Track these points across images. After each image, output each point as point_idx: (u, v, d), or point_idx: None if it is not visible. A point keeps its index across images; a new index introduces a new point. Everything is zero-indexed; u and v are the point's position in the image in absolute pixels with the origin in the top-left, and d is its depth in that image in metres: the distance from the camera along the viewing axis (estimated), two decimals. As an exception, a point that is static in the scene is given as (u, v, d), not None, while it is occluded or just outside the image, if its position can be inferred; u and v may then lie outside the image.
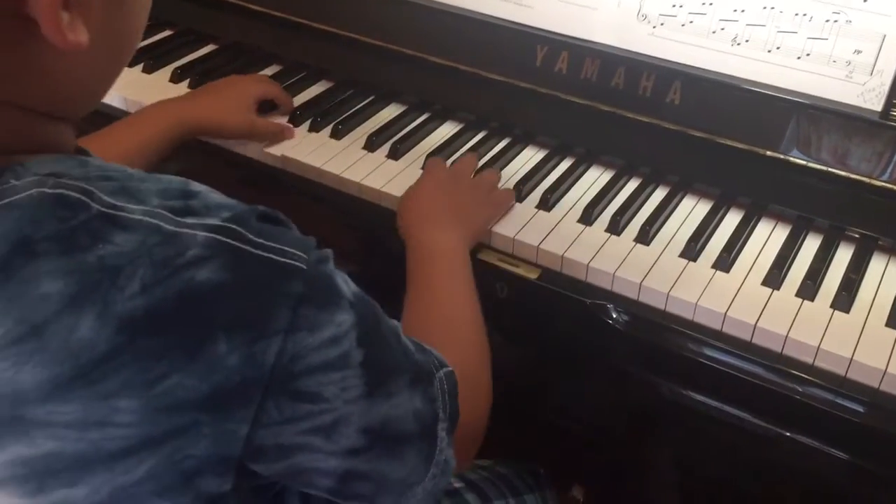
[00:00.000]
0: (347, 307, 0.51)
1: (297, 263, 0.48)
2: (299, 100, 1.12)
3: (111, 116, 1.00)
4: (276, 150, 1.03)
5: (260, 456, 0.48)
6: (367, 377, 0.51)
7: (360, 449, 0.52)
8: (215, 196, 0.50)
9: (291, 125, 1.06)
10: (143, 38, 1.22)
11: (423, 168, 0.98)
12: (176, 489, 0.46)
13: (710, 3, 0.90)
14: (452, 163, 1.00)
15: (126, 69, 1.25)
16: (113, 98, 1.12)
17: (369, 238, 1.04)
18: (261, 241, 0.47)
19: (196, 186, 0.51)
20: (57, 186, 0.45)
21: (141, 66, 1.17)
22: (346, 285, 0.52)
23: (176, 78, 1.16)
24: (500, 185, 0.97)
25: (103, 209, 0.45)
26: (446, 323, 0.75)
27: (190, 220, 0.46)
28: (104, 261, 0.44)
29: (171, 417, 0.45)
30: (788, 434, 0.82)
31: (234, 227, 0.47)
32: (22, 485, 0.45)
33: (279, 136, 1.04)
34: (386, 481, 0.55)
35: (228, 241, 0.46)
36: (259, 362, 0.46)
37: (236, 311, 0.46)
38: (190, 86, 1.14)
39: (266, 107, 1.07)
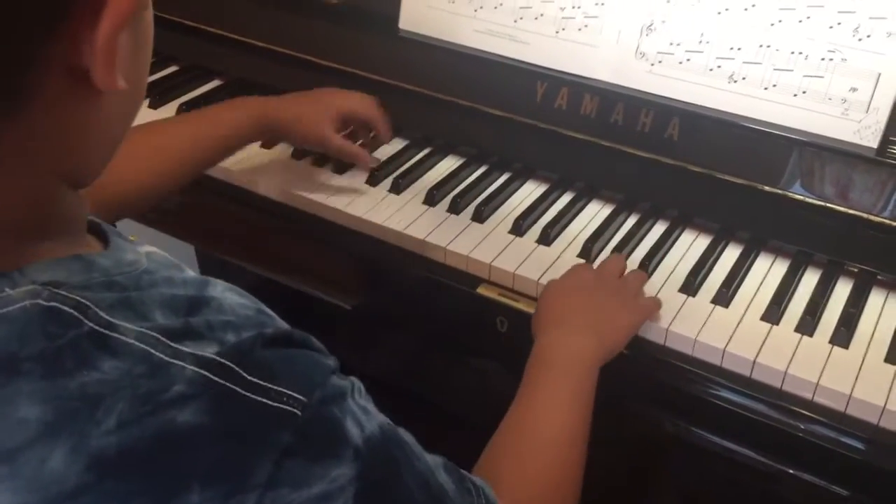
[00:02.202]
0: (350, 458, 0.46)
1: (290, 408, 0.44)
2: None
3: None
4: (263, 174, 1.04)
5: None
6: None
7: None
8: (229, 304, 0.47)
9: (367, 152, 1.04)
10: (150, 74, 1.25)
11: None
12: None
13: (707, 42, 0.91)
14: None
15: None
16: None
17: (367, 272, 1.04)
18: (254, 380, 0.44)
19: (213, 291, 0.47)
20: (51, 299, 0.42)
21: (147, 101, 1.19)
22: (360, 430, 0.47)
23: (181, 113, 1.17)
24: (500, 220, 0.97)
25: (96, 327, 0.42)
26: (535, 447, 0.69)
27: (185, 348, 0.43)
28: (86, 389, 0.41)
29: None
30: (789, 470, 0.82)
31: (227, 362, 0.43)
32: None
33: (351, 158, 1.03)
34: None
35: (217, 380, 0.43)
36: None
37: (214, 461, 0.42)
38: (195, 121, 1.16)
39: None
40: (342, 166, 1.06)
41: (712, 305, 0.87)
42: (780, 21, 0.88)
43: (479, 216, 0.99)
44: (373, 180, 1.04)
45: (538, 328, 0.81)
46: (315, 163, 1.08)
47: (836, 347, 0.82)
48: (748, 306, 0.87)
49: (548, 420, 0.71)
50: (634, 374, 0.85)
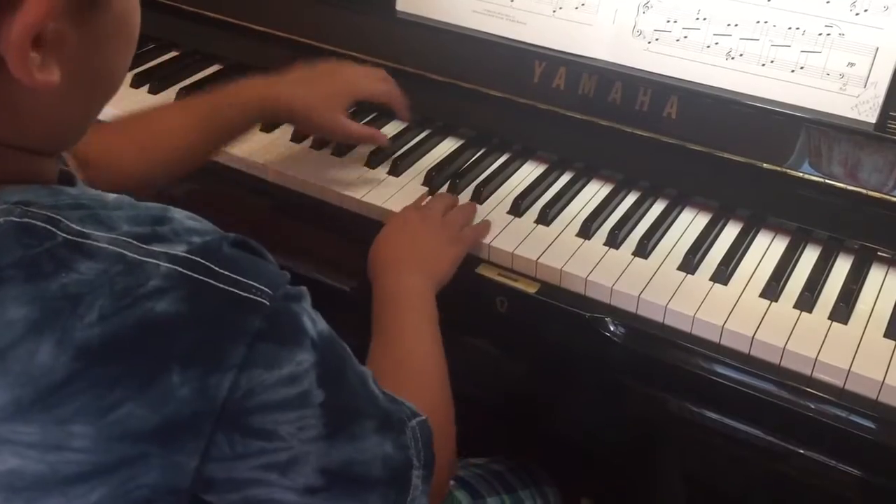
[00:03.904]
0: (309, 347, 0.50)
1: (258, 299, 0.48)
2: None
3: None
4: (262, 157, 1.05)
5: (211, 488, 0.49)
6: (327, 418, 0.51)
7: (318, 488, 0.52)
8: (191, 223, 0.50)
9: (384, 133, 1.02)
10: (150, 60, 1.25)
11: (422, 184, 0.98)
12: None
13: (704, 19, 0.91)
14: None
15: (132, 90, 1.28)
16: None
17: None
18: (225, 272, 0.47)
19: (173, 213, 0.51)
20: (24, 216, 0.46)
21: (147, 87, 1.19)
22: (314, 325, 0.52)
23: (181, 98, 1.17)
24: (499, 201, 0.97)
25: (69, 237, 0.46)
26: (414, 373, 0.74)
27: (155, 248, 0.47)
28: (66, 289, 0.44)
29: (122, 446, 0.45)
30: (790, 446, 0.82)
31: (197, 258, 0.47)
32: None
33: (368, 140, 1.02)
34: None
35: (189, 273, 0.47)
36: (211, 396, 0.46)
37: (191, 344, 0.46)
38: (195, 106, 1.16)
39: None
40: (341, 149, 1.07)
41: (711, 283, 0.87)
42: (777, -4, 0.87)
43: (479, 197, 0.99)
44: (372, 162, 1.04)
45: (373, 274, 0.85)
46: (314, 145, 1.08)
47: (835, 323, 0.82)
48: (747, 284, 0.87)
49: (422, 351, 0.76)
50: (633, 352, 0.86)
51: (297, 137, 1.09)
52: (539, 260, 0.90)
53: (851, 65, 0.85)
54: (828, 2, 0.85)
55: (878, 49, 0.84)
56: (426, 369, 0.75)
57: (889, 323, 0.82)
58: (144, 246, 0.47)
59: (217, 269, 0.47)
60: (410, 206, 0.95)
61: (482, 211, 0.97)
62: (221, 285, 0.47)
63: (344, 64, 1.03)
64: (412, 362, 0.75)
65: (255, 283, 0.48)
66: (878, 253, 0.90)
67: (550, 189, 1.01)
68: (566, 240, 0.93)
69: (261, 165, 1.05)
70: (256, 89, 0.94)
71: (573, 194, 1.00)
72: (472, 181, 1.01)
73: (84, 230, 0.46)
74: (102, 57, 0.51)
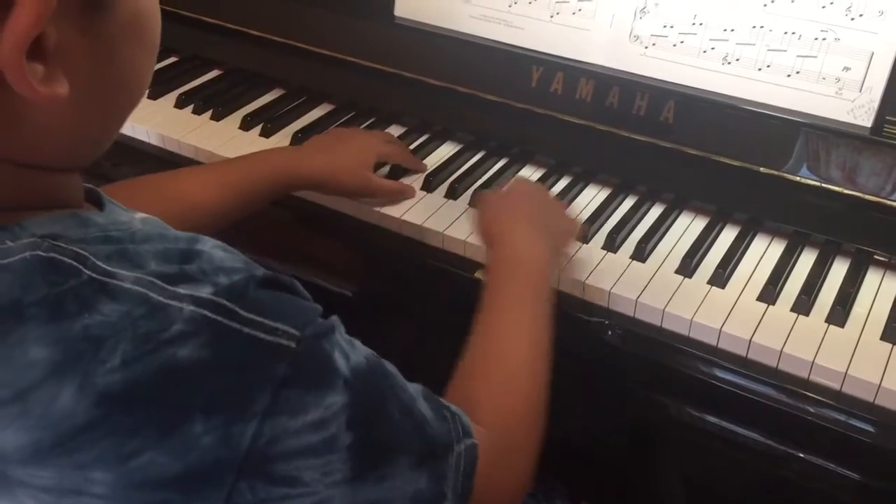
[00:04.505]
0: (340, 387, 0.49)
1: (285, 342, 0.47)
2: (302, 123, 1.14)
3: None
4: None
5: None
6: (355, 461, 0.50)
7: None
8: (219, 256, 0.49)
9: (413, 186, 1.01)
10: (148, 65, 1.25)
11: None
12: None
13: (701, 24, 0.91)
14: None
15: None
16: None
17: (367, 259, 1.05)
18: (251, 316, 0.46)
19: (202, 245, 0.49)
20: (50, 250, 0.44)
21: (146, 92, 1.19)
22: (347, 361, 0.50)
23: (180, 104, 1.18)
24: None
25: (95, 275, 0.44)
26: (503, 371, 0.69)
27: (181, 290, 0.45)
28: (89, 331, 0.43)
29: (142, 494, 0.44)
30: (789, 449, 0.82)
31: (223, 301, 0.46)
32: None
33: (398, 195, 0.99)
34: None
35: (214, 317, 0.45)
36: (234, 445, 0.45)
37: (215, 392, 0.45)
38: (194, 111, 1.16)
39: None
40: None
41: (709, 286, 0.87)
42: (772, 1, 0.88)
43: (476, 201, 0.99)
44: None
45: (491, 237, 0.81)
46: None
47: (832, 326, 0.82)
48: (744, 287, 0.87)
49: (517, 342, 0.72)
50: (631, 355, 0.86)
51: (295, 142, 1.10)
52: (537, 264, 0.90)
53: (847, 69, 0.85)
54: (823, 7, 0.85)
55: (873, 54, 0.84)
56: (519, 370, 0.70)
57: (886, 326, 0.82)
58: (170, 287, 0.45)
59: (242, 312, 0.46)
60: (524, 178, 0.94)
61: (480, 215, 0.97)
62: (246, 329, 0.46)
63: (354, 129, 1.06)
64: (506, 358, 0.70)
65: (280, 326, 0.47)
66: (875, 256, 0.90)
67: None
68: (564, 244, 0.93)
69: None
70: (275, 166, 0.92)
71: (571, 198, 1.01)
72: (471, 185, 1.02)
73: (110, 269, 0.45)
74: (116, 64, 0.48)
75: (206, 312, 0.45)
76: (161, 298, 0.45)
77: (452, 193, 1.00)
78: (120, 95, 0.50)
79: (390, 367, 0.56)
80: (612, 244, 0.92)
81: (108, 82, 0.48)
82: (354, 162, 0.96)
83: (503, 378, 0.69)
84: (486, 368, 0.70)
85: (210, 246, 0.50)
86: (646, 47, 0.95)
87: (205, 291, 0.46)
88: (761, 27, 0.89)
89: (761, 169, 0.92)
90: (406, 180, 1.03)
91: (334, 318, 0.52)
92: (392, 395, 0.54)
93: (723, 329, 0.82)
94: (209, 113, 1.16)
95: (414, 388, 0.57)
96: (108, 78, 0.48)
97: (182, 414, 0.44)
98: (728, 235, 0.95)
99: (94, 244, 0.46)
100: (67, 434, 0.43)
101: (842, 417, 0.78)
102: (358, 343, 0.53)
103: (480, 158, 1.07)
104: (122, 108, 0.52)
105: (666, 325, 0.85)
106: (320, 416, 0.48)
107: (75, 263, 0.44)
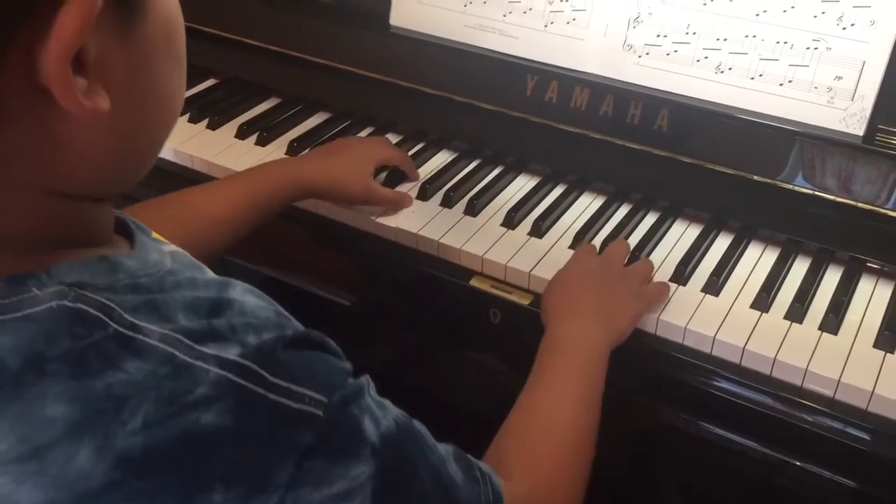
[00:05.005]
0: (368, 457, 0.48)
1: (312, 410, 0.45)
2: (298, 132, 1.14)
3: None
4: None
5: None
6: None
7: None
8: (251, 305, 0.47)
9: (410, 195, 1.02)
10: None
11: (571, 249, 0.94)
12: None
13: (694, 33, 0.92)
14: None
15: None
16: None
17: (363, 268, 1.05)
18: (277, 381, 0.44)
19: (233, 291, 0.48)
20: (77, 300, 0.43)
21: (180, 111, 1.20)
22: (377, 427, 0.49)
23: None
24: (493, 213, 0.98)
25: (120, 329, 0.43)
26: (544, 439, 0.69)
27: (208, 350, 0.44)
28: (111, 389, 0.42)
29: None
30: (794, 462, 0.82)
31: (250, 364, 0.44)
32: None
33: (397, 204, 1.00)
34: None
35: (240, 381, 0.44)
36: None
37: (236, 461, 0.43)
38: (190, 120, 1.17)
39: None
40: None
41: (703, 294, 0.88)
42: (764, 11, 0.89)
43: (472, 209, 0.99)
44: (366, 176, 1.05)
45: (548, 316, 0.81)
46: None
47: (825, 334, 0.83)
48: (738, 295, 0.88)
49: (558, 411, 0.72)
50: (625, 363, 0.86)
51: (291, 151, 1.10)
52: (532, 272, 0.90)
53: (839, 78, 0.86)
54: (815, 16, 0.86)
55: (864, 63, 0.85)
56: (558, 437, 0.70)
57: (878, 333, 0.82)
58: (196, 346, 0.44)
59: (269, 377, 0.44)
60: (588, 249, 0.90)
61: (475, 224, 0.98)
62: (272, 396, 0.44)
63: (352, 138, 1.07)
64: (546, 425, 0.70)
65: (308, 392, 0.45)
66: (868, 264, 0.91)
67: (543, 201, 1.02)
68: (559, 252, 0.94)
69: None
70: (278, 176, 0.93)
71: (566, 206, 1.01)
72: (466, 194, 1.02)
73: (137, 322, 0.43)
74: (152, 76, 0.46)
75: (231, 376, 0.44)
76: (187, 358, 0.43)
77: (448, 202, 1.01)
78: (156, 111, 0.48)
79: (419, 427, 0.55)
80: (606, 252, 0.93)
81: (145, 96, 0.46)
82: (355, 169, 0.97)
83: (542, 445, 0.69)
84: (526, 436, 0.70)
85: (240, 292, 0.48)
86: (639, 56, 0.95)
87: (232, 352, 0.44)
88: (754, 36, 0.89)
89: (754, 177, 0.92)
90: (402, 188, 1.04)
91: (364, 379, 0.50)
92: (422, 459, 0.53)
93: (716, 337, 0.82)
94: (205, 122, 1.17)
95: (445, 450, 0.55)
96: (144, 91, 0.46)
97: (202, 482, 0.43)
98: (722, 243, 0.95)
99: (123, 293, 0.45)
100: (83, 496, 0.41)
101: (836, 425, 0.78)
102: (388, 403, 0.52)
103: (476, 167, 1.08)
104: (159, 127, 0.49)
105: (660, 333, 0.85)
106: (346, 487, 0.46)
107: (101, 316, 0.43)
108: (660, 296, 0.85)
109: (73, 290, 0.43)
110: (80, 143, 0.44)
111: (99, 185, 0.47)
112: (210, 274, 0.51)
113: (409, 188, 1.04)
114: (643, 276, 0.87)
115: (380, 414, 0.50)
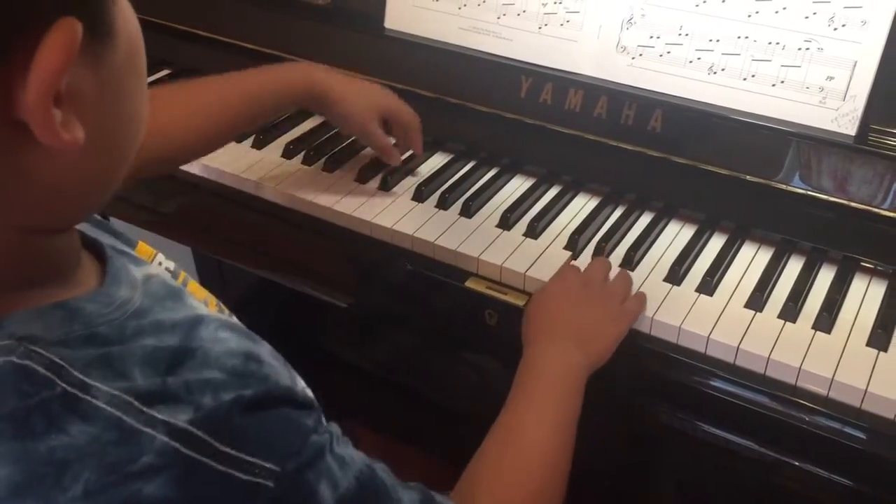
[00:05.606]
0: None
1: (263, 481, 0.43)
2: (294, 134, 1.15)
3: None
4: (255, 175, 1.05)
5: None
6: None
7: None
8: (215, 355, 0.46)
9: (398, 155, 1.04)
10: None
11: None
12: None
13: (687, 35, 0.92)
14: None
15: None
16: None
17: (360, 269, 1.06)
18: (227, 450, 0.43)
19: (201, 335, 0.46)
20: (25, 356, 0.41)
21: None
22: (334, 489, 0.47)
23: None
24: (488, 214, 0.98)
25: (69, 389, 0.41)
26: (520, 464, 0.69)
27: (158, 415, 0.42)
28: (54, 453, 0.41)
29: None
30: (792, 461, 0.82)
31: (199, 433, 0.42)
32: None
33: (384, 152, 1.03)
34: None
35: (187, 452, 0.42)
36: None
37: None
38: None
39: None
40: (332, 165, 1.08)
41: (697, 294, 0.88)
42: (757, 12, 0.89)
43: (467, 211, 1.00)
44: (362, 178, 1.05)
45: (526, 339, 0.81)
46: (305, 161, 1.09)
47: (818, 333, 0.83)
48: (732, 294, 0.88)
49: (533, 437, 0.71)
50: (620, 364, 0.86)
51: (287, 153, 1.10)
52: (527, 273, 0.91)
53: (831, 78, 0.87)
54: (807, 17, 0.87)
55: (856, 63, 0.85)
56: (534, 462, 0.69)
57: (871, 332, 0.83)
58: (146, 410, 0.42)
59: (219, 446, 0.42)
60: (569, 267, 0.89)
61: (470, 225, 0.98)
62: (220, 467, 0.42)
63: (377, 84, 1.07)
64: (523, 450, 0.70)
65: (261, 462, 0.43)
66: (861, 263, 0.91)
67: (538, 203, 1.02)
68: (554, 253, 0.94)
69: (254, 182, 1.06)
70: (299, 69, 0.97)
71: (561, 208, 1.01)
72: (461, 195, 1.03)
73: (87, 381, 0.42)
74: (121, 100, 0.45)
75: (178, 446, 0.42)
76: (134, 423, 0.42)
77: (443, 203, 1.01)
78: (127, 132, 0.47)
79: (383, 477, 0.53)
80: (601, 253, 0.93)
81: (118, 121, 0.45)
82: (366, 100, 0.99)
83: (515, 472, 0.69)
84: (500, 459, 0.69)
85: (212, 330, 0.47)
86: (633, 58, 0.96)
87: (182, 418, 0.42)
88: (746, 37, 0.90)
89: (748, 177, 0.93)
90: (398, 189, 1.04)
91: (327, 434, 0.48)
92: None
93: (711, 336, 0.83)
94: (201, 125, 1.16)
95: (410, 498, 0.54)
96: (117, 116, 0.45)
97: None
98: (716, 243, 0.95)
99: (76, 347, 0.43)
100: None
101: (830, 423, 0.78)
102: (350, 455, 0.50)
103: (471, 168, 1.08)
104: (130, 147, 0.48)
105: (655, 333, 0.85)
106: None
107: (49, 374, 0.41)
108: (639, 312, 0.85)
109: (22, 344, 0.42)
110: (54, 176, 0.42)
111: (71, 215, 0.46)
112: (183, 310, 0.49)
113: (404, 191, 1.04)
114: (623, 295, 0.85)
115: (339, 475, 0.48)
